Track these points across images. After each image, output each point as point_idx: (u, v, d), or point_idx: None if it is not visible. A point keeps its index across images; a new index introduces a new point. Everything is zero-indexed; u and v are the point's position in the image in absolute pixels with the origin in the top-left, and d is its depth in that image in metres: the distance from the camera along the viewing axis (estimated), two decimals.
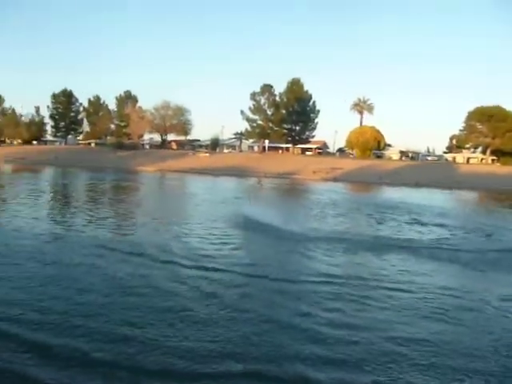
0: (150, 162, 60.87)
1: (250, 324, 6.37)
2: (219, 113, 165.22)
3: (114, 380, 4.82)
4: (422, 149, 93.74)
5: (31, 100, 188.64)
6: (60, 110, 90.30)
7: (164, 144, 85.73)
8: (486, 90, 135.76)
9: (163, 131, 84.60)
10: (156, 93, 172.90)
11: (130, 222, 15.87)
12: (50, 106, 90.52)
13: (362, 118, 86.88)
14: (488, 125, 71.57)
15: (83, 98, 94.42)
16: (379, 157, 78.90)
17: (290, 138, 78.63)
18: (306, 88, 76.76)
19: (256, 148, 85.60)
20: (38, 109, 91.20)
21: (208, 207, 20.31)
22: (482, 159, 77.98)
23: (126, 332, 5.91)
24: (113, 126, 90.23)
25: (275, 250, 11.74)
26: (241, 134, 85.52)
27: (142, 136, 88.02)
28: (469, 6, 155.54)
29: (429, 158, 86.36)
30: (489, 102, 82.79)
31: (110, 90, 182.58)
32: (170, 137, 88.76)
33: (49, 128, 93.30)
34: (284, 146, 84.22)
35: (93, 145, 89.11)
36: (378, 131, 77.82)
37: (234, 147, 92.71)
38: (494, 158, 75.12)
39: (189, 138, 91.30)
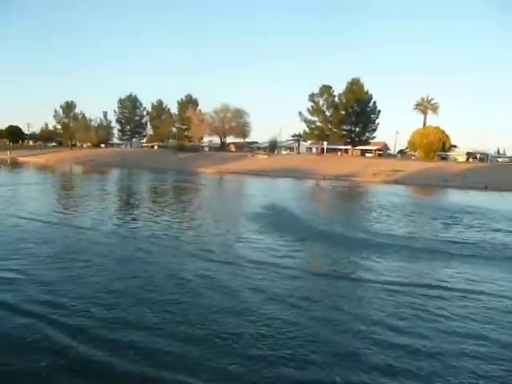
0: (210, 163, 62.27)
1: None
2: (277, 115, 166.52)
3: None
4: (492, 149, 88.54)
5: (99, 105, 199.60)
6: (126, 115, 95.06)
7: (223, 146, 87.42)
8: None
9: (222, 134, 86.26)
10: (216, 96, 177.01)
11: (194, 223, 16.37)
12: (117, 110, 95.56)
13: (425, 118, 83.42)
14: None
15: (147, 102, 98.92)
16: (444, 158, 75.43)
17: (349, 140, 77.16)
18: (366, 88, 75.07)
19: (314, 150, 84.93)
20: (105, 113, 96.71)
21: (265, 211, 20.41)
22: None
23: None
24: (174, 129, 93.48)
25: (336, 256, 11.61)
26: (299, 135, 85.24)
27: (202, 138, 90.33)
28: None
29: (499, 160, 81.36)
30: None
31: (172, 94, 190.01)
32: (229, 139, 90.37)
33: (115, 132, 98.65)
34: (343, 147, 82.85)
35: (155, 147, 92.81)
36: (443, 132, 74.27)
37: (292, 149, 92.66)
38: None
39: (247, 140, 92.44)
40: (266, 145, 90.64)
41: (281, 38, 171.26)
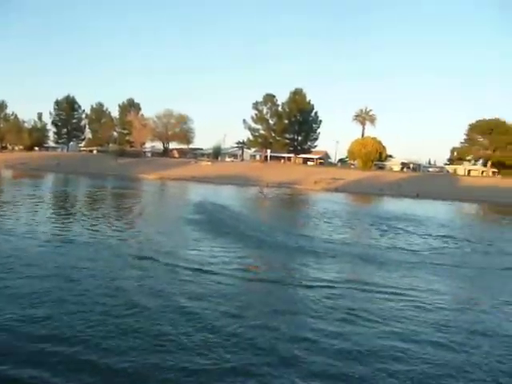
0: (152, 169, 60.93)
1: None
2: (222, 122, 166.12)
3: None
4: (424, 160, 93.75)
5: (34, 107, 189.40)
6: (62, 117, 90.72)
7: (166, 152, 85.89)
8: (486, 102, 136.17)
9: (165, 139, 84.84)
10: (159, 101, 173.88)
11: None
12: (53, 112, 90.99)
13: (363, 128, 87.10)
14: (489, 137, 71.91)
15: (86, 104, 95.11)
16: (381, 168, 78.94)
17: (291, 148, 78.73)
18: (308, 98, 77.14)
19: (258, 157, 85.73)
20: (40, 115, 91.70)
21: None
22: (482, 171, 77.99)
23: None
24: (115, 134, 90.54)
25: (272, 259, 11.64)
26: (243, 143, 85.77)
27: (144, 144, 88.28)
28: (469, 17, 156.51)
29: (430, 170, 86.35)
30: (489, 114, 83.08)
31: (113, 97, 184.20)
32: (172, 145, 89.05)
33: (51, 134, 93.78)
34: (286, 155, 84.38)
35: (95, 152, 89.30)
36: (380, 142, 77.92)
37: (235, 156, 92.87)
38: (495, 170, 75.18)
39: (191, 146, 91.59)
40: (210, 151, 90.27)
41: (221, 45, 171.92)
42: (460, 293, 9.43)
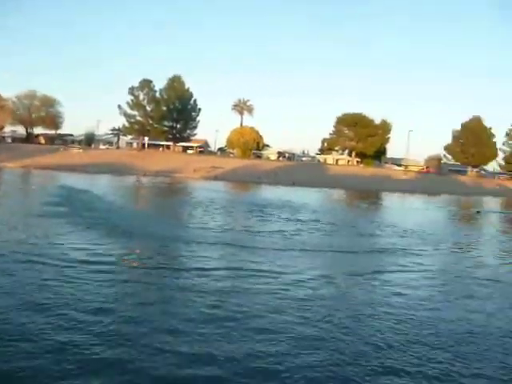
0: (13, 157, 54.35)
1: None
2: (95, 106, 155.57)
3: None
4: (298, 150, 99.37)
5: None
6: None
7: (30, 138, 77.53)
8: (354, 96, 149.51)
9: (29, 124, 76.68)
10: (19, 79, 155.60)
11: None
12: None
13: (242, 118, 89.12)
14: (353, 130, 79.03)
15: None
16: (259, 157, 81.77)
17: (170, 136, 77.23)
18: (187, 86, 76.13)
19: (135, 145, 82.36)
20: None
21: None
22: (348, 161, 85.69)
23: None
24: None
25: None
26: (118, 129, 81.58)
27: (2, 128, 78.60)
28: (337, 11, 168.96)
29: (303, 159, 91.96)
30: (356, 108, 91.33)
31: None
32: (38, 130, 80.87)
33: None
34: (165, 143, 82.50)
35: None
36: (257, 132, 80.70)
37: (111, 144, 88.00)
38: (358, 160, 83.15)
39: (60, 132, 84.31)
40: (82, 138, 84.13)
41: (100, 26, 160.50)
42: (320, 272, 10.01)
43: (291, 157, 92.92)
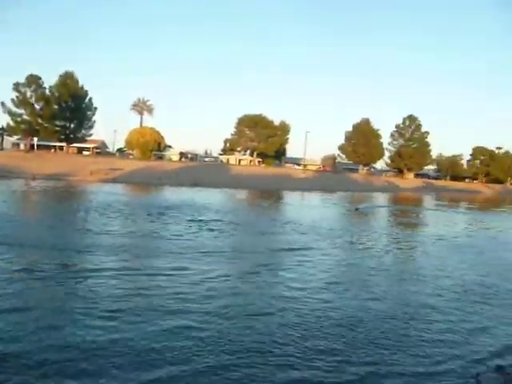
0: None
1: None
2: None
3: None
4: (201, 151, 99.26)
5: None
6: None
7: None
8: (254, 98, 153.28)
9: None
10: None
11: None
12: None
13: (141, 118, 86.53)
14: (254, 131, 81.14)
15: None
16: (160, 158, 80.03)
17: (63, 136, 72.08)
18: (81, 83, 71.70)
19: (23, 146, 75.50)
20: None
21: None
22: (250, 161, 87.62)
23: None
24: None
25: None
26: (2, 129, 74.08)
27: None
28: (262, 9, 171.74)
29: (206, 160, 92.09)
30: (256, 110, 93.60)
31: None
32: None
33: None
34: (57, 144, 76.93)
35: None
36: (158, 132, 78.90)
37: None
38: (260, 160, 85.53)
39: None
40: None
41: None
42: (218, 272, 10.13)
43: (194, 157, 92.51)
